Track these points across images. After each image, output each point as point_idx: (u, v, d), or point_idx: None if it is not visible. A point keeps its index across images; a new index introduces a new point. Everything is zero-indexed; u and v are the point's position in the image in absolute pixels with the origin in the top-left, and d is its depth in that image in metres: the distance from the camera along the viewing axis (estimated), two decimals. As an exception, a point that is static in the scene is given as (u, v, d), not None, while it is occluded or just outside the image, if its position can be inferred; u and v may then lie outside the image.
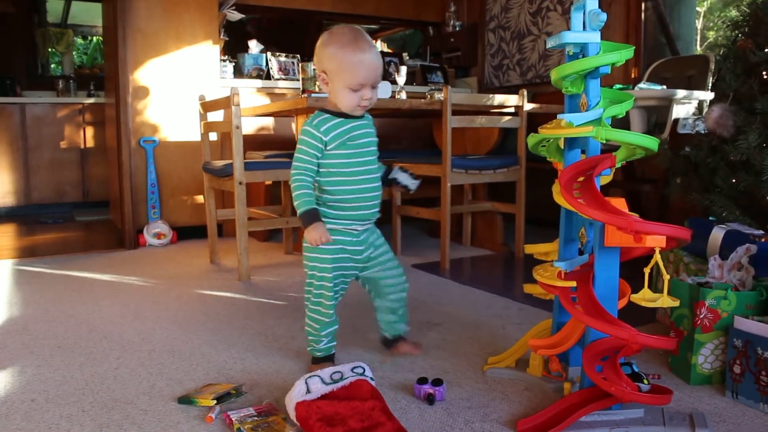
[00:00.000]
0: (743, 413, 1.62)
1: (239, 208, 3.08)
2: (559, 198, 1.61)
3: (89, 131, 6.08)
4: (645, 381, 1.57)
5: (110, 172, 5.09)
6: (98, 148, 6.06)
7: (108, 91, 4.86)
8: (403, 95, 3.91)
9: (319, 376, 1.52)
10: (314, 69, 1.91)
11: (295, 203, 1.83)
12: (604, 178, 1.65)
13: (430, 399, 1.64)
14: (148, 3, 4.12)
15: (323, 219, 1.83)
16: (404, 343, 2.03)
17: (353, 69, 1.76)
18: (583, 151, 1.65)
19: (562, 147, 1.69)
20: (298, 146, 1.85)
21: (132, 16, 4.07)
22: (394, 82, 4.24)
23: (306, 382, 1.50)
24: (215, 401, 1.65)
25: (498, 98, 3.47)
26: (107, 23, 4.60)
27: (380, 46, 6.77)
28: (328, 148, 1.83)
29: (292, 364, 1.98)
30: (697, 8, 7.38)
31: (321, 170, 1.85)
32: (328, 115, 1.85)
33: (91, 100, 6.08)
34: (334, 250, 1.86)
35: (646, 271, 1.38)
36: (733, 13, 2.48)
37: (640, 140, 1.46)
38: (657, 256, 1.37)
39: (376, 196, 1.91)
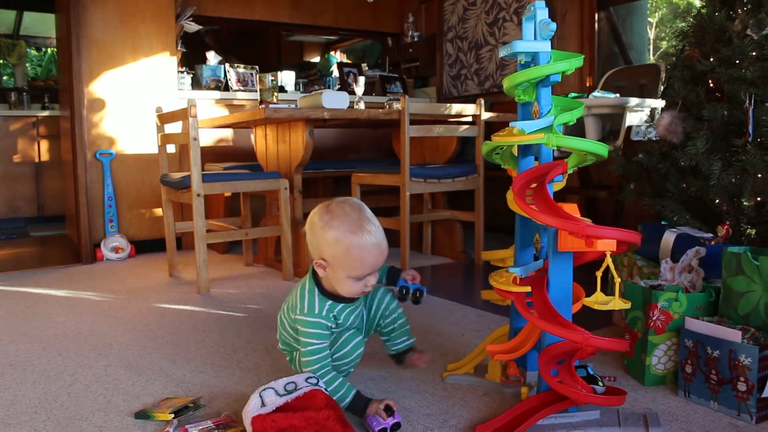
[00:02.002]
0: (695, 411, 1.65)
1: (197, 220, 3.05)
2: (513, 205, 1.63)
3: (44, 144, 5.97)
4: (600, 383, 1.60)
5: (66, 185, 4.99)
6: (53, 162, 5.95)
7: (63, 103, 4.78)
8: (362, 105, 3.92)
9: (273, 388, 1.51)
10: (310, 254, 1.68)
11: (336, 396, 1.59)
12: (557, 185, 1.68)
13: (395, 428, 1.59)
14: (103, 14, 4.07)
15: None
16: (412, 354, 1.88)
17: (362, 258, 1.57)
18: (536, 158, 1.67)
19: (516, 154, 1.71)
20: (305, 339, 1.64)
21: (87, 27, 4.02)
22: (352, 93, 4.26)
23: (260, 395, 1.49)
24: (173, 415, 1.63)
25: (455, 107, 3.50)
26: (61, 34, 4.52)
27: (339, 56, 6.79)
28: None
29: (251, 376, 1.96)
30: (649, 19, 7.57)
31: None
32: (331, 302, 1.67)
33: (46, 113, 5.97)
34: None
35: (598, 274, 1.41)
36: (682, 24, 2.54)
37: (589, 146, 1.49)
38: (608, 260, 1.39)
39: (358, 355, 1.75)
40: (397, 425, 1.56)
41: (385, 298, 1.83)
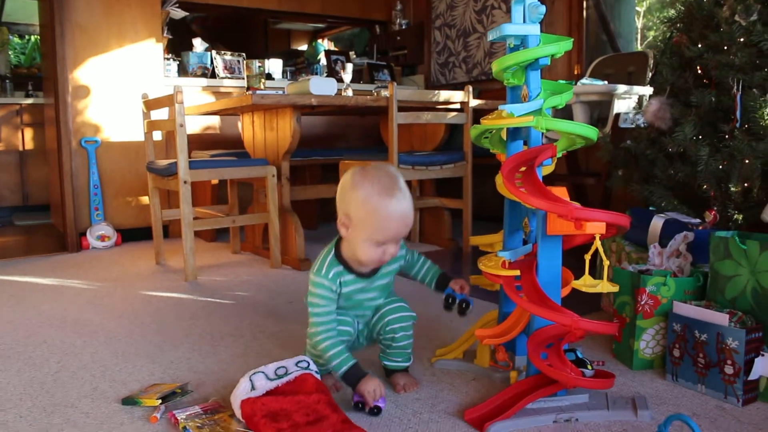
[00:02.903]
0: (682, 394, 1.66)
1: (184, 207, 3.03)
2: (502, 188, 1.63)
3: (28, 133, 5.89)
4: (589, 366, 1.61)
5: (51, 174, 4.94)
6: (38, 150, 5.88)
7: (47, 90, 4.72)
8: (350, 92, 3.90)
9: (263, 372, 1.50)
10: (337, 210, 1.62)
11: (330, 365, 1.60)
12: (547, 169, 1.67)
13: (374, 411, 1.58)
14: (87, -1, 4.01)
15: None
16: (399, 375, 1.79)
17: (385, 222, 1.54)
18: (525, 143, 1.67)
19: (505, 138, 1.71)
20: (310, 299, 1.64)
21: (71, 12, 3.96)
22: (340, 80, 4.24)
23: (250, 379, 1.48)
24: (160, 401, 1.62)
25: (443, 94, 3.49)
26: (44, 20, 4.46)
27: (327, 44, 6.75)
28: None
29: (239, 362, 1.95)
30: (637, 8, 7.58)
31: None
32: (342, 269, 1.64)
33: (30, 101, 5.89)
34: None
35: (587, 257, 1.41)
36: (671, 12, 2.55)
37: (578, 129, 1.48)
38: (597, 243, 1.39)
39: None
40: (377, 409, 1.56)
41: (398, 312, 1.72)
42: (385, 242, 1.57)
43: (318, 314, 1.62)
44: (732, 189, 2.10)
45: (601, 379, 1.51)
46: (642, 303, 1.81)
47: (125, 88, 4.18)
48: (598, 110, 3.53)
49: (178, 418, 1.52)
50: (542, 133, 1.59)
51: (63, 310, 2.59)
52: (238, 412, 1.47)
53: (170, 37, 4.48)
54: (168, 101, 3.11)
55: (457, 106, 3.66)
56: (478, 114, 3.62)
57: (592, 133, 1.50)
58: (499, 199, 1.69)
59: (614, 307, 1.94)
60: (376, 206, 1.53)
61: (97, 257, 3.76)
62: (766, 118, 1.97)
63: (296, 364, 1.54)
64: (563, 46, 1.52)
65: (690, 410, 1.57)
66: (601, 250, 1.39)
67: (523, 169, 1.54)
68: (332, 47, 6.83)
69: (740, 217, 2.11)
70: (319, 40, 6.76)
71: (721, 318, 1.62)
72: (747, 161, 2.05)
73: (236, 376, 1.65)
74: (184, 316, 2.47)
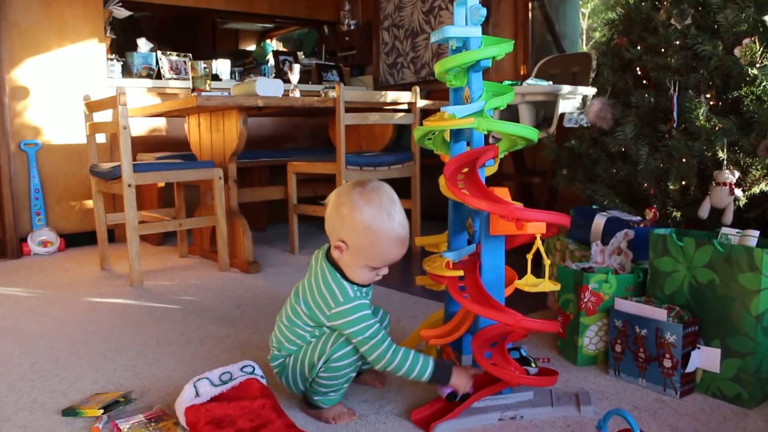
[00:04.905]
0: (624, 389, 1.70)
1: (129, 211, 2.96)
2: (445, 190, 1.64)
3: (-35, 135, 5.68)
4: (533, 364, 1.63)
5: (-11, 178, 4.78)
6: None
7: (-17, 92, 4.56)
8: (297, 93, 3.88)
9: (208, 379, 1.48)
10: (331, 235, 1.53)
11: (414, 374, 1.48)
12: (489, 169, 1.69)
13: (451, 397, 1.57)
14: (24, -3, 3.89)
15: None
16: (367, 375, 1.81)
17: (387, 250, 1.47)
18: (468, 144, 1.68)
19: (448, 140, 1.72)
20: (356, 327, 1.47)
21: (6, 10, 3.84)
22: (288, 81, 4.21)
23: (195, 386, 1.46)
24: (102, 411, 1.59)
25: (391, 95, 3.50)
26: (-20, 19, 4.31)
27: (276, 45, 6.69)
28: None
29: (185, 368, 1.92)
30: (582, 9, 7.73)
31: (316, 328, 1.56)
32: (354, 284, 1.54)
33: (-33, 102, 5.68)
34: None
35: (529, 257, 1.43)
36: (612, 15, 2.60)
37: (518, 130, 1.50)
38: (538, 242, 1.41)
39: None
40: (454, 395, 1.54)
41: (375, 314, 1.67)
42: (381, 267, 1.52)
43: (375, 333, 1.47)
44: (671, 187, 2.15)
45: (545, 377, 1.54)
46: (585, 300, 1.84)
47: (67, 89, 4.07)
48: (544, 110, 3.58)
49: (121, 428, 1.49)
50: (486, 134, 1.61)
51: (1, 318, 2.51)
52: (182, 420, 1.45)
53: (114, 36, 4.39)
54: (111, 103, 3.04)
55: (405, 106, 3.67)
56: (426, 114, 3.64)
57: (532, 134, 1.52)
58: (446, 199, 1.70)
59: (559, 304, 1.98)
60: (378, 236, 1.45)
61: (39, 263, 3.66)
62: (700, 118, 2.03)
63: (241, 369, 1.52)
64: (504, 48, 1.53)
65: (631, 404, 1.61)
66: (542, 249, 1.41)
67: (465, 170, 1.56)
68: (281, 47, 6.78)
69: (678, 214, 2.17)
70: (268, 41, 6.70)
71: (659, 313, 1.67)
72: (684, 160, 2.11)
73: (182, 383, 1.63)
74: (129, 322, 2.42)
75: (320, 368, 1.51)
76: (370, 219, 1.45)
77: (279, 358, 1.60)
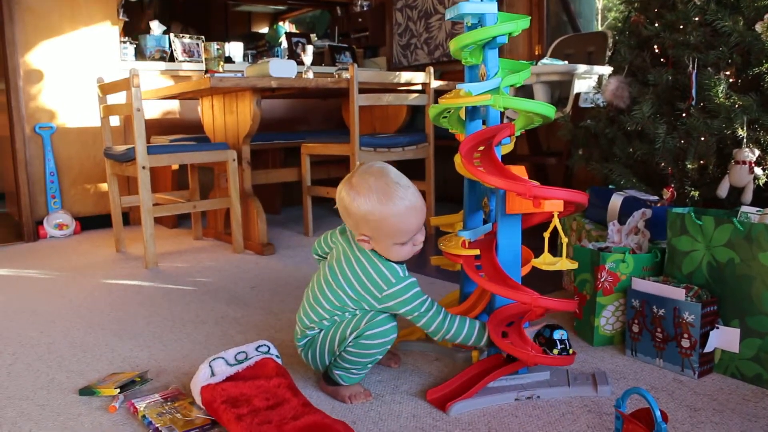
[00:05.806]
0: (641, 369, 1.69)
1: (143, 193, 2.97)
2: (461, 168, 1.62)
3: (-21, 120, 5.72)
4: (557, 350, 1.59)
5: (4, 162, 4.80)
6: (-10, 138, 5.71)
7: (-2, 76, 4.58)
8: (310, 75, 3.86)
9: (223, 358, 1.48)
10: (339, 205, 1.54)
11: (472, 339, 1.54)
12: (505, 148, 1.67)
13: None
14: (37, -19, 3.89)
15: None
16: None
17: (400, 224, 1.46)
18: (484, 122, 1.66)
19: (464, 118, 1.70)
20: (412, 305, 1.50)
21: (20, -5, 3.84)
22: (301, 63, 4.19)
23: (210, 365, 1.46)
24: (118, 390, 1.59)
25: (405, 76, 3.47)
26: (-7, 3, 4.32)
27: (288, 27, 6.66)
28: None
29: (200, 349, 1.93)
30: (597, -12, 7.61)
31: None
32: (399, 264, 1.55)
33: (-19, 87, 5.71)
34: None
35: (546, 235, 1.41)
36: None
37: (535, 107, 1.48)
38: (555, 220, 1.39)
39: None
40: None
41: None
42: (409, 238, 1.50)
43: (429, 308, 1.51)
44: (689, 166, 2.12)
45: (562, 357, 1.52)
46: (602, 280, 1.83)
47: (80, 73, 4.07)
48: (559, 90, 3.55)
49: (138, 407, 1.50)
50: (501, 112, 1.59)
51: (19, 300, 2.53)
52: (198, 399, 1.45)
53: (126, 19, 4.37)
54: (124, 85, 3.04)
55: (419, 87, 3.64)
56: (439, 95, 3.61)
57: (549, 110, 1.50)
58: (461, 180, 1.68)
59: (575, 284, 1.96)
60: (382, 216, 1.45)
61: (55, 246, 3.68)
62: (720, 96, 1.99)
63: (256, 349, 1.52)
64: (520, 24, 1.51)
65: (648, 384, 1.60)
66: (559, 227, 1.40)
67: (481, 148, 1.54)
68: (293, 30, 6.75)
69: (697, 193, 2.14)
70: (281, 23, 6.67)
71: (677, 293, 1.65)
72: (702, 138, 2.07)
73: (197, 363, 1.63)
74: (144, 304, 2.43)
75: (350, 342, 1.51)
76: (367, 208, 1.45)
77: (307, 337, 1.60)
